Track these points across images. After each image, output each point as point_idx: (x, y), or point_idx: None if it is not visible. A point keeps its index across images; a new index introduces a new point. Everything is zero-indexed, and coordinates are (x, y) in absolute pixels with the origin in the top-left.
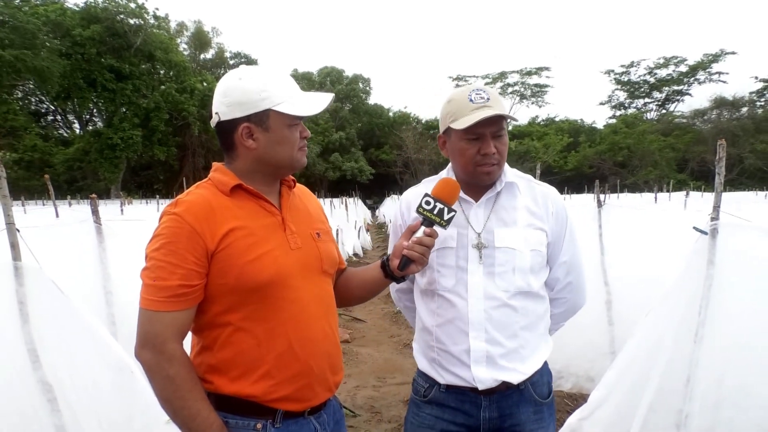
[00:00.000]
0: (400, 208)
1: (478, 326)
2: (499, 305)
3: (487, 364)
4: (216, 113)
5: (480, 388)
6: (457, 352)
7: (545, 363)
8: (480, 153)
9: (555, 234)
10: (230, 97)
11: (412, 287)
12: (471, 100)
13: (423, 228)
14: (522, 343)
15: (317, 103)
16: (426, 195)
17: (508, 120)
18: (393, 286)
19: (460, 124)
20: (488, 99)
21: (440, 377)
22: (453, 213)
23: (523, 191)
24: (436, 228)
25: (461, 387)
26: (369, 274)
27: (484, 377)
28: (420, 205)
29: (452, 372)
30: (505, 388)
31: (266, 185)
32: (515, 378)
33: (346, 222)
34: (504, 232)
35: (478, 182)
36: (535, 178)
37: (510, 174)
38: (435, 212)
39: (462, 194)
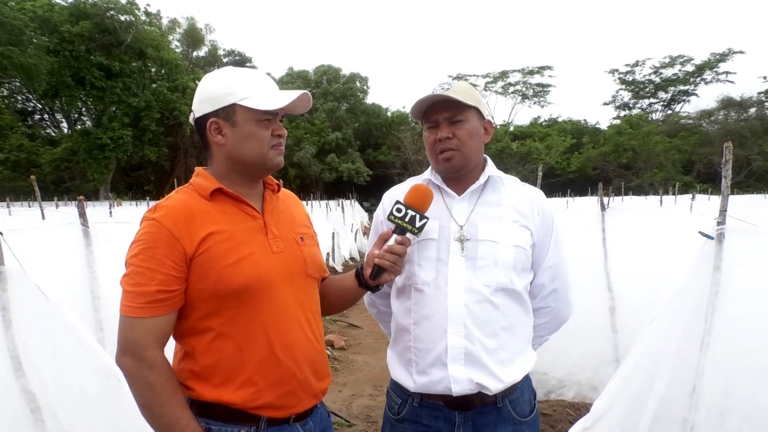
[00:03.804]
0: (383, 205)
1: (457, 321)
2: (480, 300)
3: (465, 363)
4: (192, 111)
5: (454, 391)
6: (434, 350)
7: (528, 380)
8: (437, 138)
9: (540, 236)
10: (202, 94)
11: (388, 291)
12: (433, 91)
13: (395, 236)
14: (501, 344)
15: (283, 97)
16: (397, 202)
17: (484, 112)
18: None
19: (412, 109)
20: (448, 88)
21: (413, 383)
22: (425, 220)
23: (509, 189)
24: (409, 235)
25: (434, 396)
26: (345, 284)
27: (460, 377)
28: (391, 213)
29: (427, 373)
30: (480, 402)
31: (247, 188)
32: (492, 384)
33: (343, 225)
34: (488, 225)
35: (444, 172)
36: (537, 180)
37: (492, 169)
38: (406, 219)
39: (445, 188)
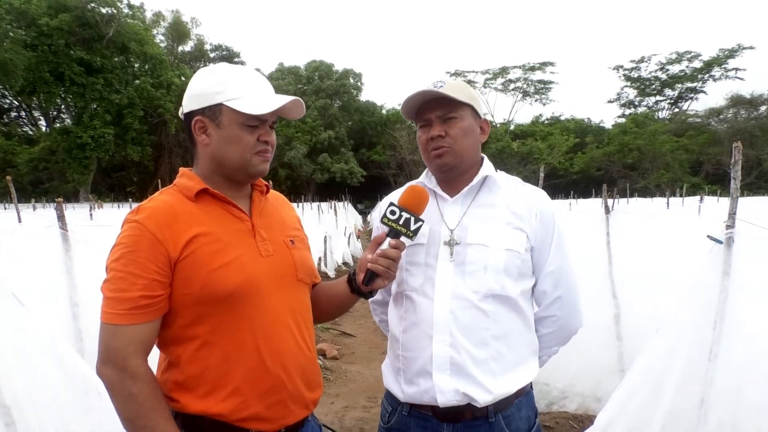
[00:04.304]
0: (381, 210)
1: (443, 328)
2: (467, 307)
3: (451, 373)
4: (182, 106)
5: (440, 401)
6: (420, 359)
7: (528, 394)
8: (429, 137)
9: (539, 238)
10: (191, 90)
11: (388, 299)
12: (425, 89)
13: (388, 239)
14: (493, 354)
15: (272, 102)
16: (391, 204)
17: (479, 110)
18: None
19: (403, 107)
20: (441, 86)
21: (401, 392)
22: (420, 223)
23: (505, 189)
24: (403, 239)
25: (422, 407)
26: (336, 290)
27: (445, 387)
28: (384, 215)
29: (414, 383)
30: (471, 416)
31: (233, 190)
32: (481, 396)
33: (335, 228)
34: (479, 228)
35: (437, 171)
36: (539, 180)
37: (489, 169)
38: (401, 222)
39: (438, 190)
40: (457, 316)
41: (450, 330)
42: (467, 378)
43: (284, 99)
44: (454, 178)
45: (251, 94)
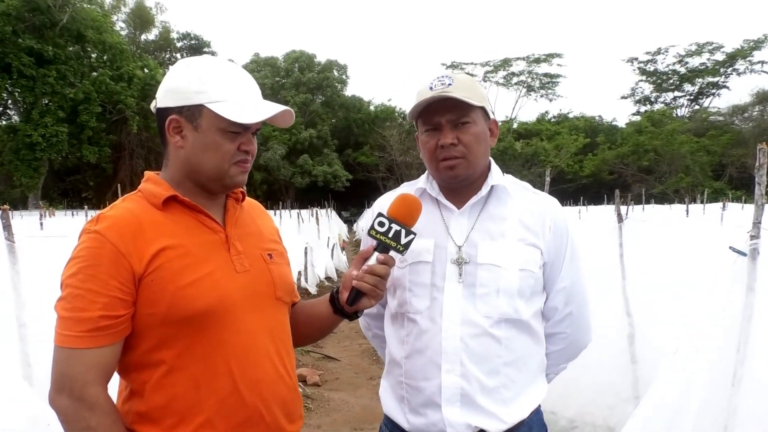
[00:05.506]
0: (371, 216)
1: (453, 357)
2: (478, 333)
3: (462, 405)
4: (156, 99)
5: None
6: (427, 389)
7: (537, 413)
8: (439, 145)
9: (552, 253)
10: (168, 83)
11: (383, 312)
12: (431, 87)
13: (376, 254)
14: (504, 382)
15: (260, 111)
16: (379, 215)
17: (489, 110)
18: None
19: (411, 112)
20: (450, 84)
21: (406, 422)
22: (412, 236)
23: (516, 199)
24: (393, 254)
25: None
26: (318, 309)
27: (455, 421)
28: (372, 227)
29: (421, 414)
30: None
31: (205, 198)
32: (494, 426)
33: (317, 239)
34: (489, 245)
35: (447, 182)
36: (544, 184)
37: (497, 176)
38: (390, 235)
39: (443, 200)
40: (467, 345)
41: (460, 359)
42: (478, 410)
43: (274, 108)
44: (463, 187)
45: (237, 97)
